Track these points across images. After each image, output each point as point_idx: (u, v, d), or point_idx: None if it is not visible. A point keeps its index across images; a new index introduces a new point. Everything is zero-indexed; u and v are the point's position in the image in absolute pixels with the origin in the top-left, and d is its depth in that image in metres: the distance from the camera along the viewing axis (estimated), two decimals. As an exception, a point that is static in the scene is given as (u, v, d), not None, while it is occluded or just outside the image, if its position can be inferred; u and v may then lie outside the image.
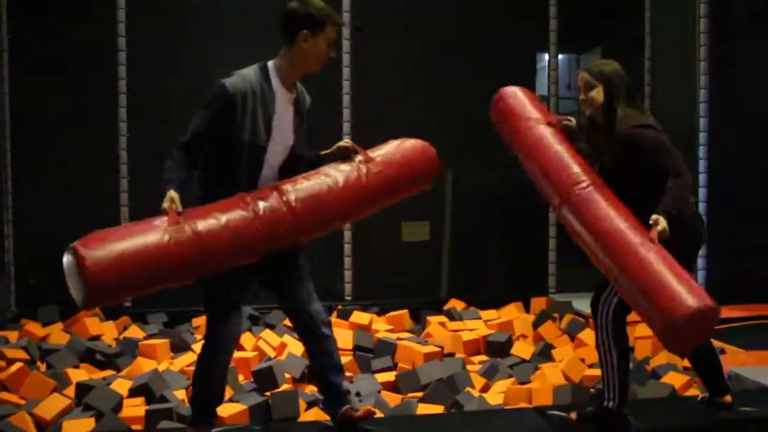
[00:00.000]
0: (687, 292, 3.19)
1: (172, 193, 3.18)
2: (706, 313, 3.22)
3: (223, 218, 3.16)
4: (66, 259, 3.09)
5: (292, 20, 3.38)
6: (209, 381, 3.45)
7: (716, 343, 6.21)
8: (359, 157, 3.59)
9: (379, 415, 4.63)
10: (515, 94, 4.11)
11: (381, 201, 3.65)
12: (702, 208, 7.45)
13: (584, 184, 3.52)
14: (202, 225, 3.13)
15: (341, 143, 3.68)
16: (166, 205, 3.15)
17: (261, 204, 3.23)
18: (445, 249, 8.04)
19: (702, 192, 7.52)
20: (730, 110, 7.54)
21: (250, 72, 3.37)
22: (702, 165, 7.52)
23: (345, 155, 3.61)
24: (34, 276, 7.50)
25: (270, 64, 3.42)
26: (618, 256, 3.32)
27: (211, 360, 3.43)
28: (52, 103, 7.46)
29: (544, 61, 8.39)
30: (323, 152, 3.69)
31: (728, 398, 3.89)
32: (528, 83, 8.39)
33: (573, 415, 3.77)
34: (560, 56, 8.22)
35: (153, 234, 3.08)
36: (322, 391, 3.70)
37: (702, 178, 7.52)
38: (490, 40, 8.11)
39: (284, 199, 3.27)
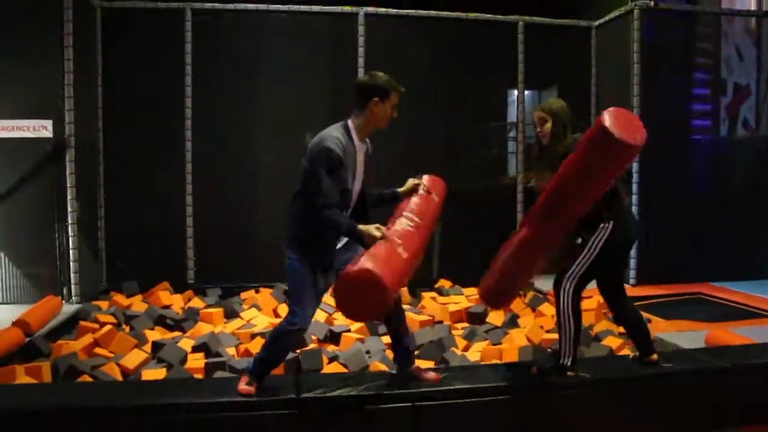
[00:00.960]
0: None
1: (372, 226, 3.24)
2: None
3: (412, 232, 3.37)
4: (360, 281, 2.99)
5: (364, 90, 3.38)
6: (278, 353, 3.42)
7: (644, 315, 6.25)
8: (423, 189, 3.70)
9: (383, 367, 4.66)
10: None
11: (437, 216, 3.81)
12: (635, 209, 7.46)
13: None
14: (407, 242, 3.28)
15: (413, 181, 3.73)
16: (378, 233, 3.19)
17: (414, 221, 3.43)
18: (436, 240, 8.05)
19: (634, 197, 7.51)
20: (657, 133, 7.53)
21: (338, 133, 3.32)
22: (635, 176, 7.51)
23: (414, 189, 3.69)
24: (120, 259, 7.55)
25: (350, 123, 3.39)
26: None
27: (285, 339, 3.38)
28: (136, 128, 7.50)
29: (514, 96, 8.39)
30: (400, 190, 3.72)
31: (655, 357, 3.87)
32: (500, 114, 8.47)
33: (534, 369, 3.76)
34: (526, 92, 8.21)
35: (395, 256, 3.15)
36: (394, 347, 3.69)
37: (635, 183, 7.51)
38: (471, 80, 8.09)
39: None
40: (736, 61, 8.48)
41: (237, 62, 7.67)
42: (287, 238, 3.37)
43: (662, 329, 5.68)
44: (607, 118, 3.16)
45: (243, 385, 3.23)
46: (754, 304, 6.50)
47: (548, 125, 3.69)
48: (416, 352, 5.24)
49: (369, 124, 3.40)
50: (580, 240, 3.61)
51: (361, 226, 3.21)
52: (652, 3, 7.58)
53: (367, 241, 3.16)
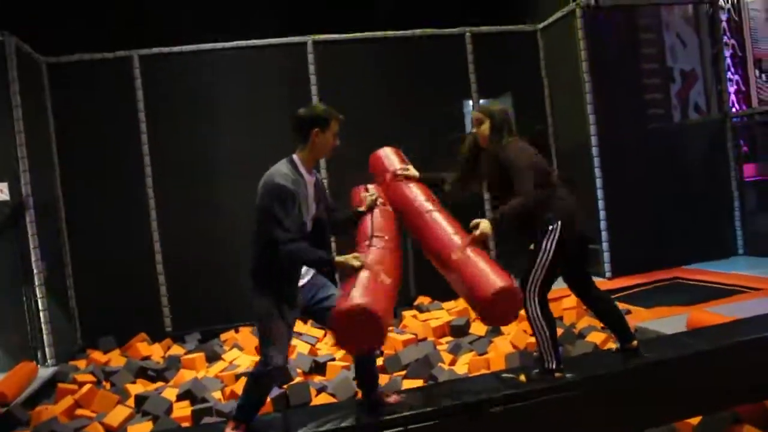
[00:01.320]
0: (488, 277, 3.13)
1: (350, 256, 3.21)
2: (505, 293, 3.11)
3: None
4: (355, 316, 2.92)
5: (303, 122, 3.37)
6: (260, 396, 3.34)
7: (622, 305, 6.28)
8: (379, 202, 3.72)
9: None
10: (384, 151, 4.19)
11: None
12: (601, 203, 7.53)
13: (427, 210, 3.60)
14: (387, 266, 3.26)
15: (368, 196, 3.73)
16: (357, 263, 3.14)
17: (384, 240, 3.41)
18: (410, 258, 8.01)
19: (600, 192, 7.57)
20: (610, 127, 7.66)
21: (285, 168, 3.30)
22: (597, 171, 7.57)
23: (372, 205, 3.67)
24: (92, 315, 7.38)
25: (295, 158, 3.37)
26: (444, 260, 3.38)
27: (262, 383, 3.30)
28: (95, 180, 7.38)
29: (470, 105, 8.42)
30: (360, 209, 3.70)
31: (635, 343, 3.85)
32: (459, 125, 8.49)
33: (522, 378, 3.71)
34: (481, 101, 8.25)
35: (381, 284, 3.10)
36: (359, 375, 3.61)
37: (598, 179, 7.57)
38: (428, 92, 8.12)
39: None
40: (680, 49, 8.65)
41: (191, 103, 7.61)
42: (251, 279, 3.31)
43: (644, 318, 5.70)
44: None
45: (230, 430, 3.14)
46: (729, 282, 6.58)
47: (485, 126, 3.70)
48: (403, 372, 5.22)
49: (313, 155, 3.40)
50: (532, 246, 3.59)
51: (338, 258, 3.19)
52: (592, 1, 7.70)
53: (347, 273, 3.12)
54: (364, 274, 3.10)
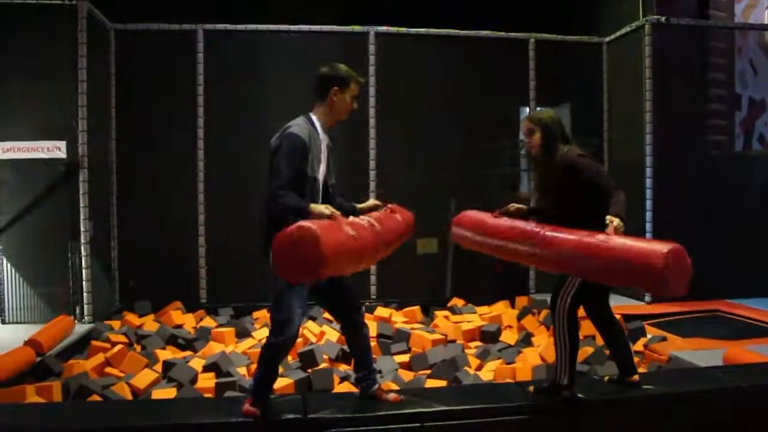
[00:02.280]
0: (654, 247, 3.02)
1: (322, 206, 3.15)
2: (676, 254, 3.02)
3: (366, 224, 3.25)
4: (301, 234, 2.84)
5: (324, 80, 3.42)
6: (273, 367, 3.37)
7: (657, 332, 6.15)
8: (386, 210, 3.64)
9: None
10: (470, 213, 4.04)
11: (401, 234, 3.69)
12: (648, 225, 7.39)
13: (542, 232, 3.44)
14: (359, 227, 3.17)
15: (373, 202, 3.69)
16: (328, 212, 3.08)
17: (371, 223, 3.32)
18: (449, 259, 8.01)
19: (648, 214, 7.43)
20: (667, 148, 7.51)
21: (301, 121, 3.36)
22: (648, 192, 7.44)
23: (373, 208, 3.63)
24: (133, 278, 7.58)
25: (312, 115, 3.43)
26: (591, 257, 3.16)
27: (277, 354, 3.33)
28: (149, 148, 7.56)
29: (526, 112, 8.35)
30: (359, 206, 3.67)
31: (636, 377, 3.72)
32: (513, 131, 8.44)
33: (531, 388, 3.66)
34: (538, 109, 8.16)
35: (341, 230, 3.02)
36: (357, 369, 3.59)
37: (648, 200, 7.43)
38: (485, 98, 8.09)
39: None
40: (751, 76, 8.42)
41: (249, 82, 7.71)
42: (263, 246, 3.28)
43: (678, 347, 5.58)
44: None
45: (247, 406, 3.19)
46: (773, 321, 6.39)
47: (537, 136, 3.62)
48: (428, 371, 5.22)
49: (330, 115, 3.43)
50: None
51: (312, 205, 3.13)
52: (663, 18, 7.54)
53: (313, 218, 3.08)
54: (325, 220, 3.04)
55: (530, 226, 3.51)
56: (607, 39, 8.30)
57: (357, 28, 7.80)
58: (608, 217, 3.29)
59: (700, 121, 8.01)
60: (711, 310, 7.04)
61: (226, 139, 7.64)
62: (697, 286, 7.39)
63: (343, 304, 3.44)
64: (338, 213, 3.13)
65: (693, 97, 7.90)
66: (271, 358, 3.29)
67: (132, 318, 6.90)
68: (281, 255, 2.87)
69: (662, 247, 2.98)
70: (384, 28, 7.82)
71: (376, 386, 3.54)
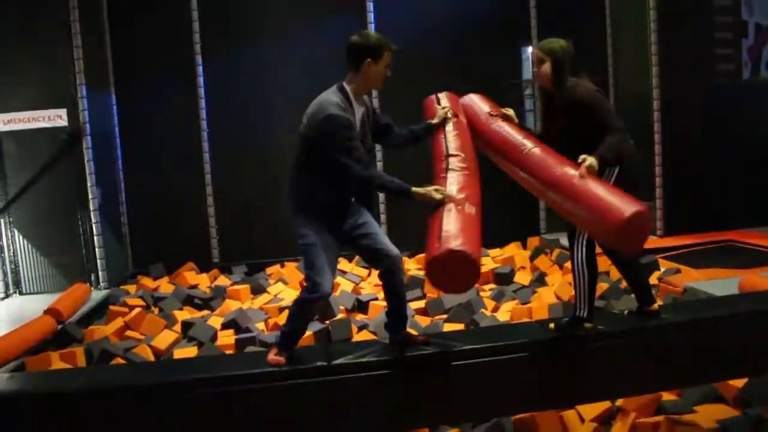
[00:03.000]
0: (619, 202, 2.96)
1: (431, 188, 3.15)
2: (637, 217, 2.93)
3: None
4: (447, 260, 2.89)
5: (356, 51, 3.27)
6: (304, 321, 3.39)
7: (671, 264, 6.18)
8: (450, 114, 3.57)
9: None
10: (471, 98, 3.92)
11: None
12: (657, 158, 7.36)
13: (527, 148, 3.39)
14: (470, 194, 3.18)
15: (442, 111, 3.59)
16: (439, 196, 3.09)
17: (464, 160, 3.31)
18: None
19: (657, 147, 7.38)
20: (674, 80, 7.41)
21: (336, 98, 3.23)
22: (656, 126, 7.38)
23: (444, 118, 3.56)
24: (143, 243, 7.63)
25: (345, 86, 3.30)
26: (561, 189, 3.16)
27: (309, 310, 3.35)
28: (151, 111, 7.51)
29: (528, 52, 8.23)
30: (432, 121, 3.58)
31: (656, 306, 3.71)
32: (515, 72, 8.34)
33: (551, 325, 3.67)
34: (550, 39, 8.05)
35: (468, 217, 3.06)
36: (389, 314, 3.60)
37: (657, 134, 7.38)
38: (486, 38, 7.97)
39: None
40: (757, 1, 8.23)
41: (247, 33, 7.61)
42: (292, 207, 3.30)
43: (693, 278, 5.61)
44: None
45: (272, 356, 3.23)
46: (787, 248, 6.40)
47: (546, 66, 3.53)
48: (445, 316, 5.27)
49: (364, 86, 3.32)
50: None
51: (418, 189, 3.12)
52: (667, -54, 7.36)
53: (430, 204, 3.09)
54: (449, 211, 3.02)
55: (518, 138, 3.46)
56: (609, -29, 8.13)
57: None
58: (582, 156, 3.23)
59: (708, 51, 7.87)
60: (724, 240, 7.04)
61: (229, 95, 7.59)
62: (710, 217, 7.49)
63: (371, 252, 3.42)
64: (450, 192, 3.12)
65: (699, 26, 7.75)
66: (301, 312, 3.32)
67: (147, 281, 6.96)
68: (437, 279, 2.97)
69: (626, 209, 2.92)
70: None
71: (404, 331, 3.56)
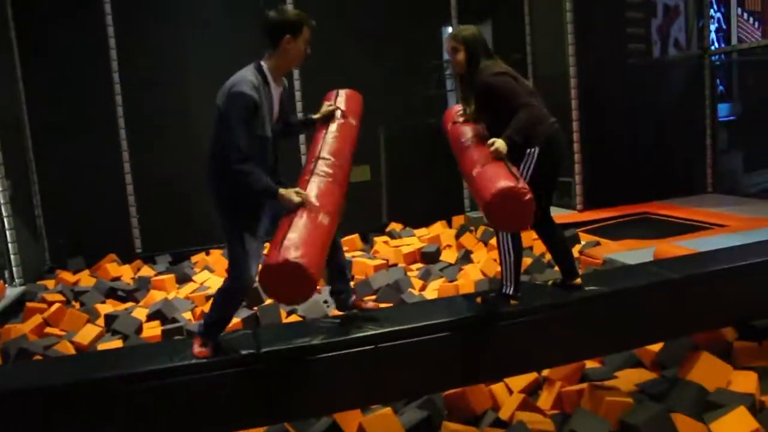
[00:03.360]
0: (491, 183, 3.06)
1: (291, 191, 3.01)
2: (501, 196, 3.01)
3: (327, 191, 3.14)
4: (285, 271, 2.78)
5: (275, 27, 3.13)
6: (227, 312, 3.30)
7: (591, 237, 6.38)
8: (339, 115, 3.47)
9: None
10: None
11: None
12: (576, 135, 7.57)
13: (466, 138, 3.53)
14: (328, 203, 3.08)
15: (327, 108, 3.53)
16: (298, 199, 2.97)
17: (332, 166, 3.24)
18: (383, 185, 8.04)
19: (575, 124, 7.59)
20: (589, 59, 7.63)
21: (252, 76, 3.08)
22: (573, 103, 7.58)
23: (330, 115, 3.48)
24: (61, 236, 7.33)
25: (263, 64, 3.16)
26: (466, 168, 3.36)
27: (233, 299, 3.26)
28: (61, 98, 7.19)
29: (449, 32, 8.30)
30: (314, 116, 3.51)
31: (578, 280, 3.83)
32: (437, 52, 8.39)
33: (478, 299, 3.74)
34: (461, 27, 8.11)
35: (319, 225, 2.96)
36: (334, 282, 3.55)
37: (574, 111, 7.59)
38: (405, 20, 7.98)
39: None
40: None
41: (160, 15, 7.38)
42: (213, 197, 3.16)
43: (612, 250, 5.81)
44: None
45: (197, 348, 3.14)
46: (698, 218, 6.70)
47: (460, 54, 3.58)
48: (374, 297, 5.29)
49: (283, 64, 3.20)
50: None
51: (281, 190, 3.00)
52: (578, -73, 7.54)
53: (285, 206, 3.02)
54: (300, 218, 2.93)
55: (467, 134, 3.56)
56: (525, -49, 8.26)
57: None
58: (490, 140, 3.32)
59: (620, 30, 8.15)
60: (640, 213, 7.34)
61: (144, 79, 7.34)
62: (626, 191, 7.76)
63: None
64: (309, 197, 3.02)
65: (612, 7, 8.00)
66: (226, 302, 3.24)
67: (66, 275, 6.70)
68: (271, 285, 2.84)
69: (495, 186, 3.02)
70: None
71: (354, 297, 3.56)
